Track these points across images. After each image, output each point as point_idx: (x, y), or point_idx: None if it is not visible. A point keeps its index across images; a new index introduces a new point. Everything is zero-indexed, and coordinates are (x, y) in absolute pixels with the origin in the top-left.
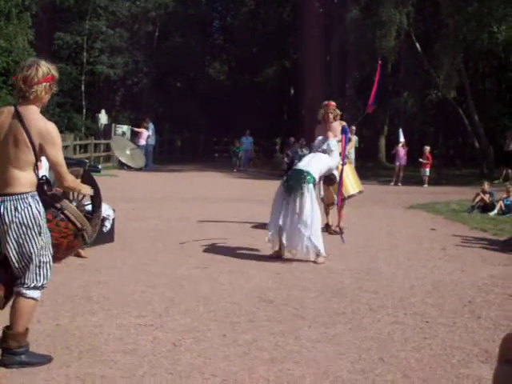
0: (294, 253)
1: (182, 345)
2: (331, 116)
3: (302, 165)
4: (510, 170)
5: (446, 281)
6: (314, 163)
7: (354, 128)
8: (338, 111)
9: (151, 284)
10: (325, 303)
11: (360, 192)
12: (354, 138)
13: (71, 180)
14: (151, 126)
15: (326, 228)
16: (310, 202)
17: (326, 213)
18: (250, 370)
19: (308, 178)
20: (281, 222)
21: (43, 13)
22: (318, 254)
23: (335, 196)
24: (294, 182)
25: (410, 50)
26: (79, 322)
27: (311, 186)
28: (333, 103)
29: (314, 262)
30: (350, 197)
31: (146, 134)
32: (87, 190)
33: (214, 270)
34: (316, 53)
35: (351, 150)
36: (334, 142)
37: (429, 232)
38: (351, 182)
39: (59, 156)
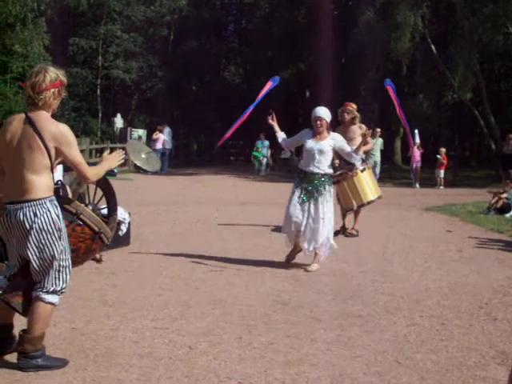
0: (312, 252)
1: (197, 348)
2: (347, 116)
3: (313, 166)
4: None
5: (462, 283)
6: (323, 159)
7: (378, 130)
8: (356, 113)
9: (167, 287)
10: (340, 305)
11: (379, 197)
12: (380, 141)
13: (93, 175)
14: (168, 130)
15: (343, 230)
16: (327, 202)
17: (343, 215)
18: (265, 373)
19: (322, 179)
20: (302, 228)
21: (58, 18)
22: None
23: (354, 202)
24: (309, 186)
25: (426, 52)
26: (95, 326)
27: (327, 186)
28: (352, 104)
29: (305, 269)
30: (369, 203)
31: (163, 138)
32: (116, 163)
33: (229, 273)
34: (331, 55)
35: (376, 153)
36: (358, 157)
37: (445, 234)
38: (370, 188)
39: (77, 155)
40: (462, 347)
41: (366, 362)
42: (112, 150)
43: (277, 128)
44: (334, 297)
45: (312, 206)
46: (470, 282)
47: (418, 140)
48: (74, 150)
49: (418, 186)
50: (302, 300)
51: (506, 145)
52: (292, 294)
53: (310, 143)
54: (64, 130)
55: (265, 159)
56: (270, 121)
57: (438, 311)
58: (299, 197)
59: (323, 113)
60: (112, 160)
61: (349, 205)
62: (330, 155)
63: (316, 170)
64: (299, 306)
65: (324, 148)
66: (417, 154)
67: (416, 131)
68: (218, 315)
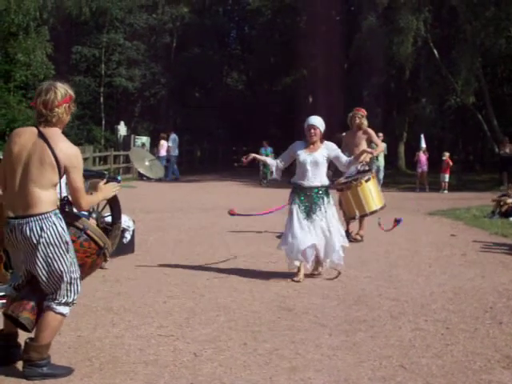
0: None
1: (202, 355)
2: (358, 121)
3: (309, 179)
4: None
5: (466, 287)
6: (318, 171)
7: (381, 135)
8: (364, 121)
9: (172, 294)
10: (345, 311)
11: (382, 207)
12: (383, 145)
13: (86, 205)
14: (174, 136)
15: (347, 235)
16: (332, 215)
17: (346, 221)
18: (271, 379)
19: (320, 192)
20: (315, 241)
21: (61, 26)
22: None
23: (356, 211)
24: (307, 202)
25: (428, 57)
26: (100, 333)
27: (325, 198)
28: (362, 109)
29: (312, 274)
30: (371, 213)
31: (166, 145)
32: (111, 194)
33: (234, 280)
34: (333, 61)
35: (380, 158)
36: (353, 169)
37: (449, 238)
38: (373, 198)
39: (80, 181)
40: (467, 351)
41: (371, 367)
42: (116, 157)
43: (263, 159)
44: (338, 302)
45: (317, 223)
46: (475, 286)
47: (423, 145)
48: (78, 174)
49: (420, 190)
50: (306, 306)
51: (502, 148)
52: (297, 299)
53: (303, 155)
54: (76, 152)
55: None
56: (247, 161)
57: (442, 315)
58: (300, 217)
59: (317, 122)
60: (107, 191)
61: (351, 214)
62: (324, 166)
63: (312, 184)
64: (304, 311)
65: (318, 159)
66: (423, 158)
67: (422, 136)
68: (222, 322)
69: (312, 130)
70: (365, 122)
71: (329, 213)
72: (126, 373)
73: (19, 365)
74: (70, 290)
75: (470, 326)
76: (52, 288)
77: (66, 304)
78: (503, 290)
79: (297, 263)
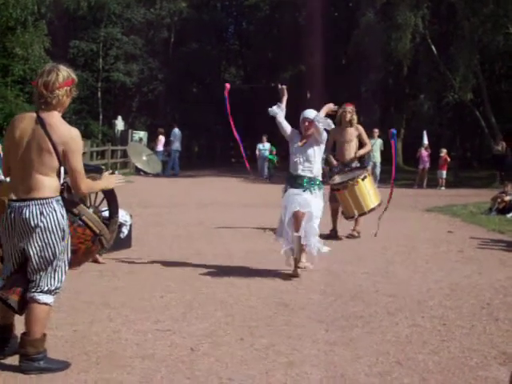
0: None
1: (199, 349)
2: (348, 117)
3: (302, 170)
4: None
5: (463, 283)
6: (309, 163)
7: (376, 131)
8: (355, 116)
9: (169, 289)
10: (342, 307)
11: (379, 204)
12: (379, 142)
13: (85, 188)
14: (176, 131)
15: (334, 233)
16: (320, 200)
17: (334, 219)
18: (267, 374)
19: (311, 182)
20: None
21: (58, 21)
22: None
23: (355, 211)
24: (300, 187)
25: (426, 53)
26: (97, 328)
27: (318, 189)
28: (352, 105)
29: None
30: (370, 211)
31: (164, 140)
32: (113, 184)
33: (231, 275)
34: (331, 57)
35: (376, 154)
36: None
37: (446, 235)
38: (370, 196)
39: (79, 163)
40: (464, 348)
41: (367, 363)
42: (113, 152)
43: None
44: (335, 298)
45: (307, 196)
46: (472, 283)
47: (426, 141)
48: (77, 157)
49: (419, 187)
50: (303, 301)
51: (495, 145)
52: (294, 295)
53: (296, 148)
54: (75, 135)
55: (262, 162)
56: (283, 90)
57: (439, 312)
58: (290, 193)
59: (312, 115)
60: (110, 180)
61: (350, 213)
62: (317, 159)
63: (305, 174)
64: (301, 307)
65: (310, 153)
66: (424, 154)
67: (424, 132)
68: (219, 317)
69: (307, 123)
70: (355, 118)
71: (320, 200)
72: (122, 367)
73: (16, 359)
74: (54, 278)
75: (467, 323)
76: (38, 273)
77: (49, 292)
78: (500, 287)
79: (289, 253)
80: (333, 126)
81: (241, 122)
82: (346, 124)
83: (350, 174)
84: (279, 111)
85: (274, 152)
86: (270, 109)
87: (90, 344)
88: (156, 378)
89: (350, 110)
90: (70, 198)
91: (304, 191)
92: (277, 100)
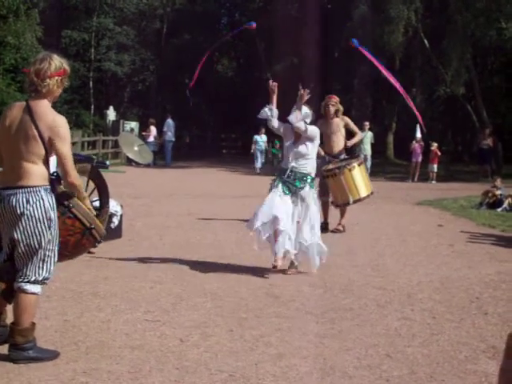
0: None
1: (188, 340)
2: (332, 109)
3: (294, 165)
4: (487, 166)
5: (453, 277)
6: (302, 159)
7: (366, 124)
8: (340, 107)
9: (158, 280)
10: (332, 299)
11: (371, 194)
12: (369, 134)
13: (75, 176)
14: (169, 121)
15: (325, 226)
16: (314, 204)
17: (325, 212)
18: (256, 366)
19: (304, 178)
20: (282, 226)
21: (51, 10)
22: (292, 263)
23: (350, 197)
24: (291, 184)
25: (419, 47)
26: (86, 318)
27: (309, 188)
28: (335, 97)
29: (284, 272)
30: (363, 198)
31: (155, 131)
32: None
33: (221, 266)
34: (324, 49)
35: (366, 147)
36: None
37: (436, 228)
38: (361, 185)
39: (66, 150)
40: (453, 341)
41: (357, 356)
42: (104, 142)
43: (273, 100)
44: (325, 290)
45: (299, 203)
46: (462, 277)
47: (419, 135)
48: (65, 145)
49: (412, 180)
50: (293, 293)
51: (482, 139)
52: (283, 287)
53: (290, 145)
54: (60, 123)
55: (263, 155)
56: (273, 88)
57: (429, 305)
58: (281, 190)
59: (291, 118)
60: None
61: (343, 199)
62: (311, 155)
63: (297, 170)
64: (291, 299)
65: (302, 150)
66: (418, 148)
67: (418, 126)
68: (209, 308)
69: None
70: (341, 109)
71: (314, 204)
72: (112, 357)
73: (5, 348)
74: (42, 268)
75: (456, 316)
76: (25, 262)
77: (37, 282)
78: (489, 281)
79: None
80: (310, 114)
81: (233, 114)
82: (331, 116)
83: (344, 162)
84: (271, 117)
85: (278, 146)
86: (261, 111)
87: (80, 334)
88: (145, 368)
89: (333, 103)
90: (68, 190)
91: (292, 195)
92: (267, 92)
